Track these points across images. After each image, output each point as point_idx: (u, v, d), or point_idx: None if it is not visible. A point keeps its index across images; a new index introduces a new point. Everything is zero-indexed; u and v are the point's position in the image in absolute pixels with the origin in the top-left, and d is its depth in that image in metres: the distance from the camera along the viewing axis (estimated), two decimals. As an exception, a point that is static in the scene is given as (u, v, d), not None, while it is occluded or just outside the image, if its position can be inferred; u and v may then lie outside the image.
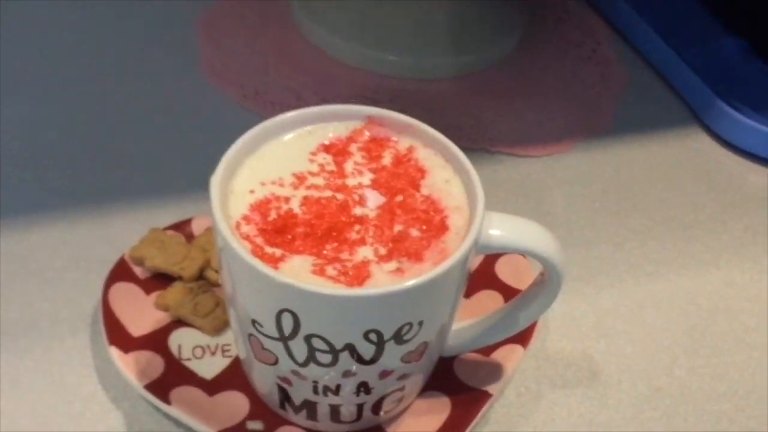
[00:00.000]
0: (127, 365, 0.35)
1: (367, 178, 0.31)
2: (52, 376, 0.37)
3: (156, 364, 0.35)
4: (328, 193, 0.31)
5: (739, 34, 0.56)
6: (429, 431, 0.34)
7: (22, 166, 0.45)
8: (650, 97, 0.55)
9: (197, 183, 0.44)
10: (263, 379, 0.33)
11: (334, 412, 0.32)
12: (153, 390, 0.34)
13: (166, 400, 0.34)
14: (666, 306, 0.43)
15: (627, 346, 0.41)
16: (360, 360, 0.29)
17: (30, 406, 0.35)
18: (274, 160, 0.31)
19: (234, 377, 0.35)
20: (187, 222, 0.41)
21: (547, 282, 0.32)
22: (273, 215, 0.29)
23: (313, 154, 0.32)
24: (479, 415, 0.35)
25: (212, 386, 0.35)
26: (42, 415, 0.35)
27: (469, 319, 0.35)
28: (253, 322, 0.29)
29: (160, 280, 0.39)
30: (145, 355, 0.35)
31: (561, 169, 0.49)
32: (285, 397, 0.32)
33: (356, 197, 0.31)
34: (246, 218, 0.29)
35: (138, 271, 0.39)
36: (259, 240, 0.29)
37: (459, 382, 0.36)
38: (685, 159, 0.51)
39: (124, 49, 0.53)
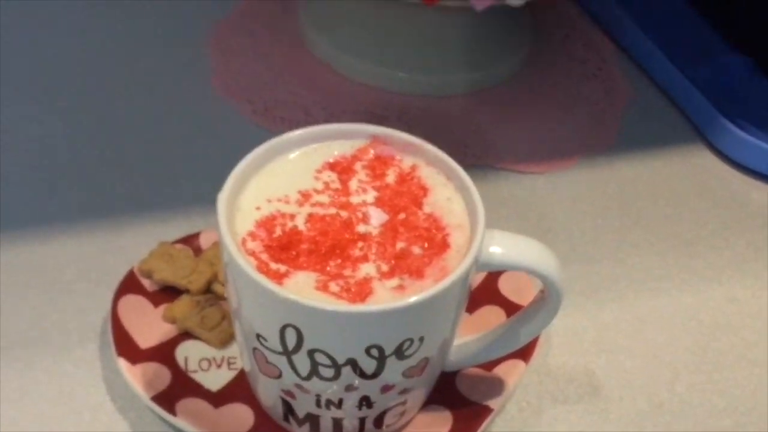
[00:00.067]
0: (134, 376, 0.35)
1: (371, 196, 0.32)
2: (61, 386, 0.37)
3: (163, 375, 0.36)
4: (333, 211, 0.31)
5: (744, 52, 0.57)
6: (431, 445, 0.35)
7: (34, 178, 0.46)
8: (654, 114, 0.55)
9: (206, 197, 0.45)
10: (267, 392, 0.33)
11: (337, 425, 0.33)
12: (159, 401, 0.35)
13: (172, 411, 0.34)
14: (667, 322, 0.43)
15: (628, 361, 0.41)
16: (362, 375, 0.30)
17: (38, 416, 0.36)
18: (280, 177, 0.32)
19: (239, 390, 0.36)
20: (196, 236, 0.42)
21: (548, 299, 0.33)
22: (278, 232, 0.30)
23: (319, 171, 0.33)
24: (480, 429, 0.35)
25: (218, 398, 0.36)
26: (50, 424, 0.36)
27: (471, 335, 0.36)
28: (258, 336, 0.30)
29: (168, 293, 0.39)
30: (153, 367, 0.36)
31: (565, 185, 0.50)
32: (289, 410, 0.33)
33: (360, 215, 0.31)
34: (252, 234, 0.30)
35: (146, 283, 0.39)
36: (264, 256, 0.29)
37: (461, 397, 0.36)
38: (688, 175, 0.51)
39: (136, 63, 0.54)
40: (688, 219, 0.49)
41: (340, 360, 0.29)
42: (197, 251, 0.41)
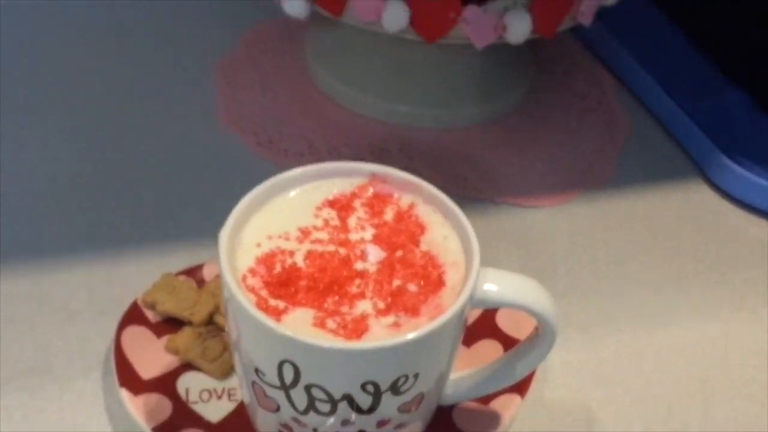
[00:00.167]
0: (136, 407, 0.36)
1: (369, 233, 0.33)
2: (64, 416, 0.38)
3: (164, 406, 0.37)
4: (332, 248, 0.32)
5: (743, 87, 0.57)
6: (427, 478, 0.35)
7: (39, 208, 0.47)
8: (653, 148, 0.56)
9: (210, 229, 0.46)
10: (266, 425, 0.34)
11: (334, 458, 0.34)
12: (161, 432, 0.35)
13: (173, 442, 0.35)
14: (664, 357, 0.44)
15: (625, 396, 0.42)
16: (358, 410, 0.30)
17: (42, 445, 0.37)
18: (281, 214, 0.33)
19: (239, 421, 0.36)
20: (199, 268, 0.42)
21: (542, 336, 0.33)
22: (278, 268, 0.31)
23: (319, 209, 0.34)
24: (476, 463, 0.36)
25: (218, 429, 0.36)
26: (53, 453, 0.37)
27: (468, 369, 0.36)
28: (256, 370, 0.30)
29: (171, 324, 0.40)
30: (154, 398, 0.37)
31: (564, 219, 0.50)
32: (287, 443, 0.34)
33: (358, 252, 0.32)
34: (252, 271, 0.31)
35: (150, 314, 0.40)
36: (263, 293, 0.30)
37: (457, 430, 0.37)
38: (686, 210, 0.52)
39: (142, 94, 0.55)
40: (685, 254, 0.49)
41: (337, 395, 0.30)
42: (200, 283, 0.42)
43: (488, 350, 0.40)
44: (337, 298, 0.30)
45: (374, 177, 0.35)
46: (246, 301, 0.29)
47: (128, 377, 0.37)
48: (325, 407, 0.30)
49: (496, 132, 0.55)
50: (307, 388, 0.30)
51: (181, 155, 0.51)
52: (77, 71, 0.56)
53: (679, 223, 0.51)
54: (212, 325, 0.40)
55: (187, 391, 0.38)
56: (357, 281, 0.31)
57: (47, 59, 0.57)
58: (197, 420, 0.36)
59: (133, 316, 0.40)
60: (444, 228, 0.33)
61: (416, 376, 0.30)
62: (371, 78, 0.55)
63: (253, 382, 0.31)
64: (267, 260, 0.31)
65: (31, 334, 0.41)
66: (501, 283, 0.32)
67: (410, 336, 0.29)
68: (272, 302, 0.30)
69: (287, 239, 0.32)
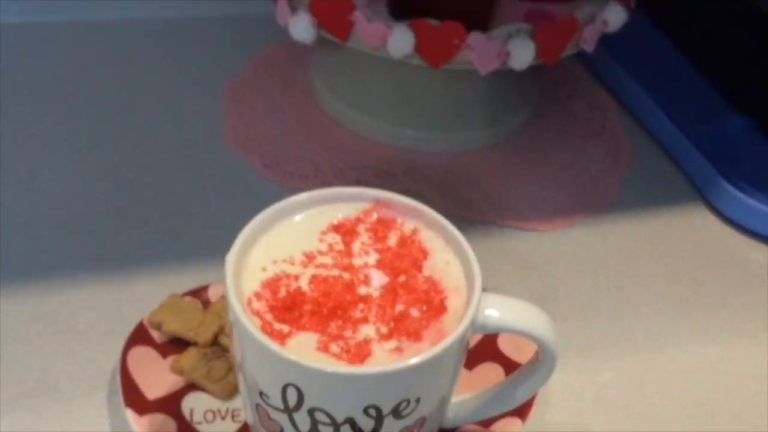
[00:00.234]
0: (141, 427, 0.36)
1: (372, 258, 0.33)
2: (70, 435, 0.39)
3: (169, 427, 0.37)
4: (336, 272, 0.32)
5: (745, 113, 0.58)
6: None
7: (48, 228, 0.48)
8: (655, 173, 0.57)
9: (217, 249, 0.46)
10: (269, 446, 0.34)
11: (336, 480, 0.34)
12: (165, 453, 0.36)
13: (177, 463, 0.35)
14: (665, 381, 0.44)
15: (626, 420, 0.42)
16: (360, 433, 0.31)
17: (48, 464, 0.37)
18: (286, 238, 0.34)
19: (243, 442, 0.37)
20: (204, 288, 0.43)
21: (542, 361, 0.34)
22: (283, 292, 0.31)
23: (323, 233, 0.34)
24: (477, 486, 0.36)
25: (221, 450, 0.37)
26: (59, 472, 0.37)
27: (470, 392, 0.37)
28: (260, 393, 0.31)
29: (176, 344, 0.40)
30: (159, 418, 0.37)
31: (566, 243, 0.51)
32: (290, 465, 0.34)
33: (362, 276, 0.32)
34: (257, 295, 0.31)
35: (156, 335, 0.41)
36: (268, 317, 0.31)
37: (458, 453, 0.37)
38: (687, 235, 0.53)
39: (151, 117, 0.56)
40: (686, 278, 0.50)
41: (339, 419, 0.30)
42: (206, 304, 0.42)
43: (490, 373, 0.40)
44: (340, 322, 0.31)
45: (378, 202, 0.35)
46: (251, 325, 0.29)
47: (134, 397, 0.38)
48: (328, 430, 0.31)
49: (500, 155, 0.56)
50: (311, 412, 0.30)
51: (188, 176, 0.52)
52: (87, 93, 0.57)
53: (680, 248, 0.52)
54: (217, 345, 0.41)
55: (191, 411, 0.38)
56: (360, 306, 0.31)
57: (58, 81, 0.58)
58: (201, 441, 0.37)
59: (139, 336, 0.40)
60: (446, 253, 0.34)
61: (418, 400, 0.30)
62: (376, 101, 0.56)
63: (257, 405, 0.32)
64: (272, 284, 0.32)
65: (37, 353, 0.42)
66: (502, 309, 0.32)
67: (412, 361, 0.29)
68: (277, 326, 0.30)
69: (292, 263, 0.33)
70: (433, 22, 0.46)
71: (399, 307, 0.31)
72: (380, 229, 0.35)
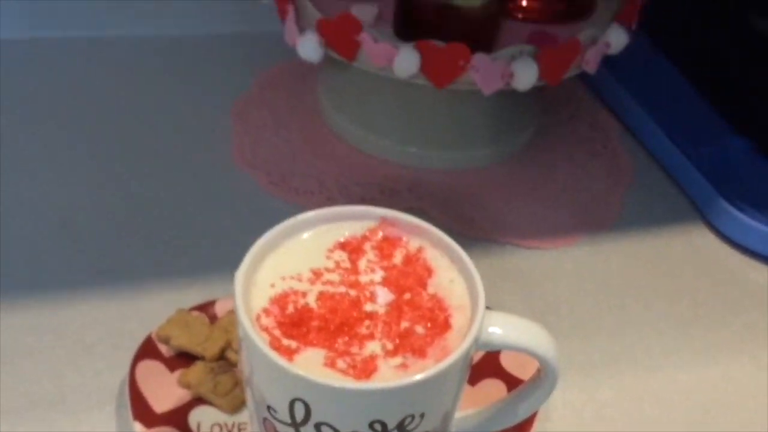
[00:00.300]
0: (149, 440, 0.37)
1: (378, 276, 0.34)
2: (79, 448, 0.39)
3: (176, 440, 0.38)
4: (342, 289, 0.33)
5: (745, 134, 0.59)
6: None
7: (57, 243, 0.48)
8: (656, 193, 0.57)
9: (224, 265, 0.47)
10: (275, 460, 0.35)
11: (341, 494, 0.34)
12: (172, 465, 0.36)
13: (184, 475, 0.36)
14: (665, 399, 0.44)
15: (625, 437, 0.43)
16: (365, 447, 0.31)
17: (56, 476, 0.38)
18: (294, 256, 0.34)
19: (248, 456, 0.37)
20: (211, 304, 0.43)
21: (544, 378, 0.34)
22: (290, 308, 0.32)
23: (330, 251, 0.35)
24: (479, 501, 0.37)
25: (228, 463, 0.37)
26: (67, 484, 0.38)
27: (472, 408, 0.37)
28: (268, 407, 0.32)
29: (184, 358, 0.41)
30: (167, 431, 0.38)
31: (567, 261, 0.52)
32: (295, 478, 0.34)
33: (368, 294, 0.33)
34: (266, 311, 0.32)
35: (163, 349, 0.41)
36: (276, 332, 0.31)
37: (461, 468, 0.38)
38: (688, 255, 0.53)
39: (159, 135, 0.57)
40: (687, 298, 0.50)
41: (345, 433, 0.31)
42: (213, 319, 0.43)
43: (492, 389, 0.41)
44: (347, 338, 0.31)
45: (384, 221, 0.36)
46: (260, 341, 0.30)
47: (142, 411, 0.38)
48: (334, 444, 0.31)
49: (503, 174, 0.57)
50: (317, 426, 0.31)
51: (195, 192, 0.53)
52: (95, 109, 0.58)
53: (680, 267, 0.52)
54: (224, 360, 0.41)
55: (198, 425, 0.39)
56: (366, 322, 0.32)
57: (68, 97, 0.59)
58: (208, 454, 0.37)
59: (147, 350, 0.41)
60: (450, 272, 0.34)
61: (422, 415, 0.31)
62: (382, 120, 0.57)
63: (264, 419, 0.32)
64: (280, 300, 0.32)
65: (46, 366, 0.42)
66: (505, 327, 0.33)
67: (417, 377, 0.30)
68: (285, 342, 0.31)
69: (300, 280, 0.33)
70: (438, 43, 0.47)
71: (404, 324, 0.32)
72: (386, 247, 0.35)
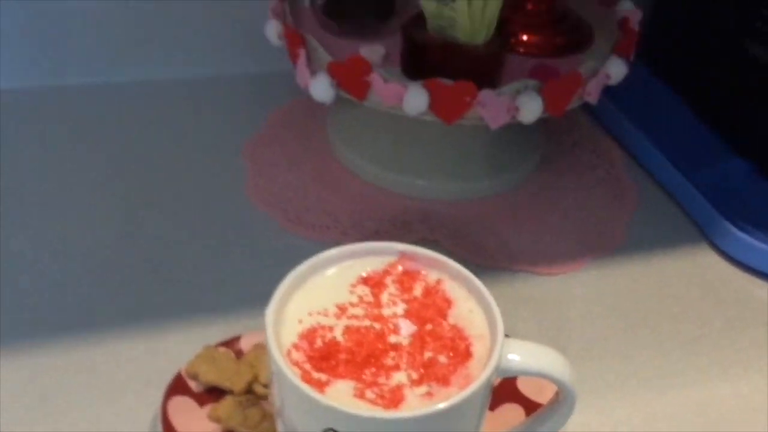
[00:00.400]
0: (183, 474, 0.39)
1: (400, 308, 0.36)
2: (114, 484, 0.41)
3: (209, 472, 0.39)
4: (367, 323, 0.35)
5: (744, 155, 0.60)
6: None
7: (86, 286, 0.50)
8: (660, 216, 0.59)
9: (246, 300, 0.49)
10: (307, 489, 0.36)
11: None
12: (207, 498, 0.38)
13: (219, 507, 0.37)
14: (677, 417, 0.46)
15: (641, 456, 0.44)
16: (395, 472, 0.33)
17: None
18: (320, 292, 0.36)
19: (280, 485, 0.39)
20: (236, 339, 0.45)
21: (562, 402, 0.36)
22: (319, 343, 0.34)
23: (353, 286, 0.37)
24: None
25: (260, 494, 0.39)
26: None
27: (492, 432, 0.39)
28: (301, 438, 0.33)
29: (213, 393, 0.43)
30: (200, 464, 0.39)
31: (577, 285, 0.53)
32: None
33: (391, 326, 0.35)
34: (296, 346, 0.34)
35: (193, 385, 0.43)
36: (307, 366, 0.33)
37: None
38: (693, 275, 0.55)
39: (177, 176, 0.59)
40: (694, 317, 0.52)
41: (375, 460, 0.32)
42: (238, 354, 0.44)
43: (511, 414, 0.42)
44: (374, 369, 0.33)
45: (403, 255, 0.38)
46: (292, 375, 0.32)
47: (175, 445, 0.40)
48: (364, 471, 0.33)
49: (511, 203, 0.59)
50: (348, 454, 0.32)
51: (214, 232, 0.55)
52: (113, 155, 0.60)
53: (686, 288, 0.54)
54: (251, 394, 0.43)
55: (230, 457, 0.40)
56: (392, 354, 0.34)
57: (87, 145, 0.61)
58: (241, 485, 0.39)
59: (178, 386, 0.42)
60: (469, 302, 0.36)
61: (448, 441, 0.33)
62: (391, 154, 0.59)
63: (297, 449, 0.34)
64: (309, 335, 0.34)
65: (80, 404, 0.44)
66: (523, 354, 0.34)
67: (443, 405, 0.31)
68: (315, 375, 0.33)
69: (326, 315, 0.35)
70: (446, 81, 0.49)
71: (427, 354, 0.34)
72: (406, 280, 0.37)
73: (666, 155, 0.61)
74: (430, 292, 0.37)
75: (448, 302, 0.36)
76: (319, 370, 0.33)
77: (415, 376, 0.33)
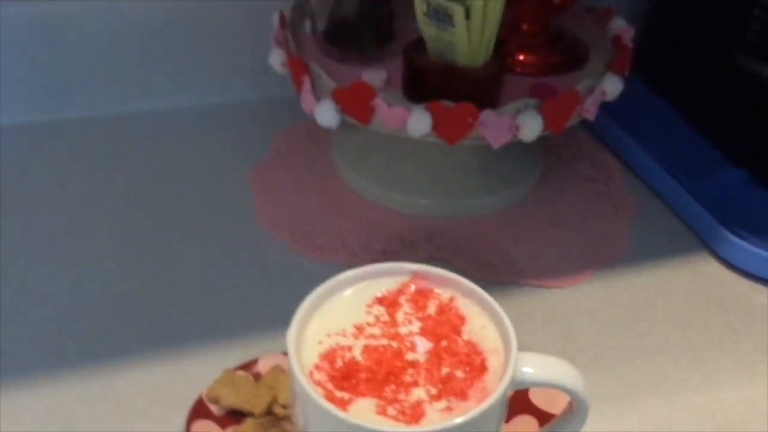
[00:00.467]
0: (209, 495, 0.40)
1: (416, 326, 0.37)
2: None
3: (234, 493, 0.40)
4: (384, 342, 0.36)
5: (740, 164, 0.62)
6: None
7: (103, 316, 0.51)
8: (660, 226, 0.61)
9: (260, 323, 0.50)
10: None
11: None
12: None
13: None
14: (684, 422, 0.47)
15: (652, 462, 0.45)
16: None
17: None
18: (337, 313, 0.37)
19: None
20: (254, 362, 0.46)
21: (575, 411, 0.37)
22: (339, 363, 0.35)
23: (369, 306, 0.38)
24: None
25: None
26: None
27: (508, 443, 0.40)
28: (325, 456, 0.34)
29: (233, 416, 0.44)
30: (225, 486, 0.40)
31: (583, 297, 0.54)
32: None
33: (408, 344, 0.36)
34: (317, 367, 0.35)
35: (214, 408, 0.44)
36: (329, 386, 0.34)
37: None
38: (695, 283, 0.56)
39: (184, 204, 0.60)
40: (697, 325, 0.53)
41: (398, 473, 0.33)
42: (257, 377, 0.45)
43: (525, 425, 0.43)
44: (394, 387, 0.34)
45: (416, 275, 0.39)
46: (317, 396, 0.33)
47: (200, 468, 0.41)
48: (388, 485, 0.34)
49: (514, 218, 0.60)
50: (372, 469, 0.33)
51: (225, 257, 0.56)
52: (126, 185, 0.61)
53: (689, 295, 0.55)
54: (271, 415, 0.44)
55: (253, 478, 0.41)
56: (410, 371, 0.35)
57: (97, 176, 0.62)
58: (265, 504, 0.40)
59: (200, 410, 0.44)
60: (482, 318, 0.37)
61: (468, 453, 0.34)
62: (396, 175, 0.60)
63: (321, 467, 0.35)
64: (329, 356, 0.35)
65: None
66: (536, 366, 0.36)
67: (462, 419, 0.33)
68: (338, 394, 0.34)
69: (344, 336, 0.36)
70: (448, 103, 0.51)
71: (445, 370, 0.35)
72: (420, 299, 0.38)
73: (663, 166, 0.62)
74: (443, 309, 0.38)
75: (462, 319, 0.37)
76: (341, 389, 0.34)
77: (433, 391, 0.34)
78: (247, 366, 0.46)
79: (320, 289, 0.38)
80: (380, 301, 0.38)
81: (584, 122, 0.65)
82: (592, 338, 0.52)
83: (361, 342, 0.36)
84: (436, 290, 0.39)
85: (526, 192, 0.62)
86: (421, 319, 0.37)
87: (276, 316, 0.50)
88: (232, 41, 0.68)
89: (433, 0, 0.49)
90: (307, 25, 0.60)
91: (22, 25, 0.63)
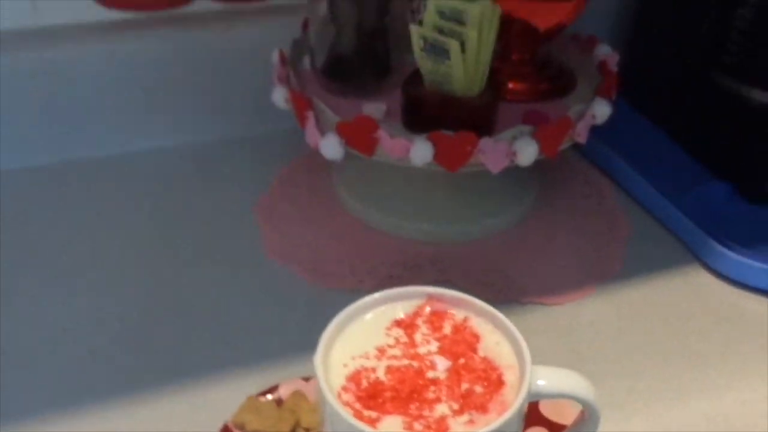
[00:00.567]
0: None
1: (434, 346, 0.39)
2: None
3: None
4: (405, 362, 0.38)
5: (725, 178, 0.65)
6: None
7: (123, 352, 0.53)
8: (652, 241, 0.63)
9: (277, 350, 0.52)
10: None
11: None
12: None
13: None
14: (688, 428, 0.49)
15: (659, 466, 0.47)
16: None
17: None
18: (359, 337, 0.39)
19: None
20: (275, 388, 0.48)
21: (587, 420, 0.39)
22: (365, 383, 0.37)
23: (388, 329, 0.40)
24: None
25: None
26: None
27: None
28: (356, 473, 0.36)
29: (259, 441, 0.46)
30: (256, 508, 0.42)
31: (584, 312, 0.57)
32: None
33: (428, 363, 0.38)
34: (344, 388, 0.37)
35: (240, 434, 0.46)
36: (357, 406, 0.36)
37: None
38: (688, 293, 0.59)
39: (193, 239, 0.62)
40: (695, 333, 0.56)
41: (427, 484, 0.35)
42: (278, 402, 0.47)
43: (537, 437, 0.46)
44: (418, 404, 0.36)
45: (430, 297, 0.41)
46: (348, 416, 0.35)
47: (231, 491, 0.43)
48: (417, 497, 0.36)
49: (513, 240, 0.62)
50: (402, 484, 0.35)
51: (238, 288, 0.58)
52: (136, 224, 0.63)
53: (685, 307, 0.58)
54: (295, 438, 0.46)
55: (283, 498, 0.43)
56: (432, 388, 0.37)
57: (109, 214, 0.64)
58: None
59: (226, 437, 0.45)
60: (495, 335, 0.40)
61: (490, 463, 0.36)
62: (398, 202, 0.62)
63: (352, 484, 0.37)
64: (355, 377, 0.37)
65: (132, 462, 0.46)
66: (550, 378, 0.38)
67: (485, 430, 0.35)
68: (366, 413, 0.36)
69: (368, 358, 0.38)
70: (448, 133, 0.53)
71: (464, 386, 0.37)
72: (435, 320, 0.40)
73: (652, 183, 0.65)
74: (458, 329, 0.40)
75: (477, 337, 0.40)
76: (369, 408, 0.36)
77: (456, 406, 0.36)
78: (269, 392, 0.48)
79: (342, 315, 0.40)
80: (399, 323, 0.40)
81: (575, 145, 0.68)
82: (594, 350, 0.54)
83: (384, 363, 0.38)
84: (451, 311, 0.41)
85: (523, 213, 0.64)
86: (438, 339, 0.40)
87: (292, 343, 0.52)
88: (228, 78, 0.70)
89: (430, 36, 0.52)
90: (306, 61, 0.63)
91: (23, 71, 0.65)
